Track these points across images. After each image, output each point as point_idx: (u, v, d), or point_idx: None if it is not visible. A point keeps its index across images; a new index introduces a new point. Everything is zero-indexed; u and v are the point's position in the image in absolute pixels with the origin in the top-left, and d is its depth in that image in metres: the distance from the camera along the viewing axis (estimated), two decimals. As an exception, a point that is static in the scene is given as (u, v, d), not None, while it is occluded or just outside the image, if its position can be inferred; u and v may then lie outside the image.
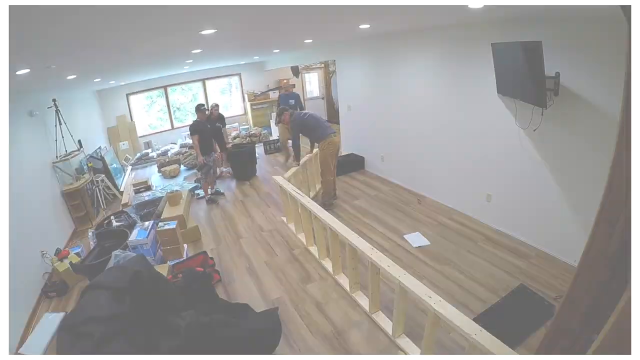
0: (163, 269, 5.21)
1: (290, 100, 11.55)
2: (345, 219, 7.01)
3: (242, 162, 10.07)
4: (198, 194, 9.16)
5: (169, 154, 12.76)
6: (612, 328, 1.75)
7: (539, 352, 2.63)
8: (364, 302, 4.55)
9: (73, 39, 3.03)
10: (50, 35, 2.67)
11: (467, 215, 6.66)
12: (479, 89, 5.78)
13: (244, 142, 12.48)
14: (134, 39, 3.71)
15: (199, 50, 6.20)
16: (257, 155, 10.83)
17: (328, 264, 5.40)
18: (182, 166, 11.83)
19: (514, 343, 3.82)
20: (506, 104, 5.37)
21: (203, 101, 14.90)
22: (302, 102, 12.17)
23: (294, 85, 15.55)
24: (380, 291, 4.39)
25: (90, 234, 6.69)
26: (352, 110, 9.93)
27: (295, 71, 15.89)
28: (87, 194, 8.18)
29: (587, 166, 4.48)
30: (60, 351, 2.96)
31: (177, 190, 7.54)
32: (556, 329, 2.36)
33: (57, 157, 7.71)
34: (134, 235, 5.67)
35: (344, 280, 5.00)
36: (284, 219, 7.07)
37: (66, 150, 8.12)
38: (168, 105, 14.58)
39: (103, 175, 9.22)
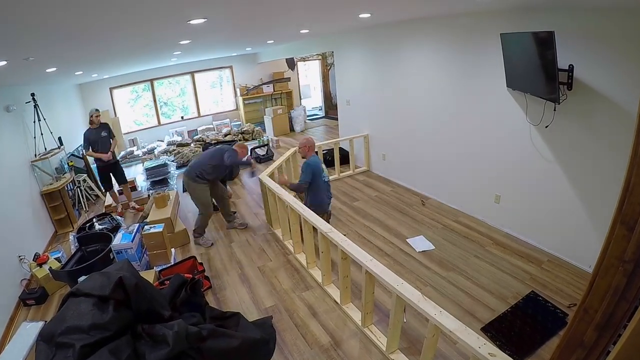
0: (149, 275, 5.20)
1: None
2: (344, 221, 7.02)
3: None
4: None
5: (156, 152, 12.75)
6: (630, 338, 1.75)
7: (551, 364, 2.63)
8: (356, 315, 4.55)
9: (52, 28, 3.03)
10: (27, 23, 2.66)
11: (474, 217, 6.67)
12: (487, 83, 5.77)
13: (226, 139, 12.54)
14: (117, 29, 3.70)
15: (187, 41, 6.18)
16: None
17: (317, 273, 5.39)
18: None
19: (524, 354, 3.82)
20: (516, 99, 5.37)
21: (192, 95, 14.97)
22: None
23: (289, 78, 15.58)
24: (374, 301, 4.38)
25: (71, 237, 6.66)
26: (352, 104, 9.93)
27: (291, 63, 15.89)
28: (68, 195, 8.12)
29: (602, 165, 4.48)
30: (38, 363, 2.95)
31: (164, 191, 7.52)
32: (570, 339, 2.35)
33: (35, 155, 7.66)
34: (118, 239, 5.65)
35: (334, 291, 5.01)
36: (270, 226, 7.06)
37: (45, 148, 8.06)
38: (154, 100, 14.57)
39: (85, 174, 9.21)
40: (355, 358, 4.02)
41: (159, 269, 5.64)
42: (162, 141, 13.82)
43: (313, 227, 4.96)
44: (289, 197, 5.66)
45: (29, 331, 4.81)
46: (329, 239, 4.50)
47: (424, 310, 3.15)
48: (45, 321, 5.00)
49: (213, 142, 11.91)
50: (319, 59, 16.90)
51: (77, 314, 3.12)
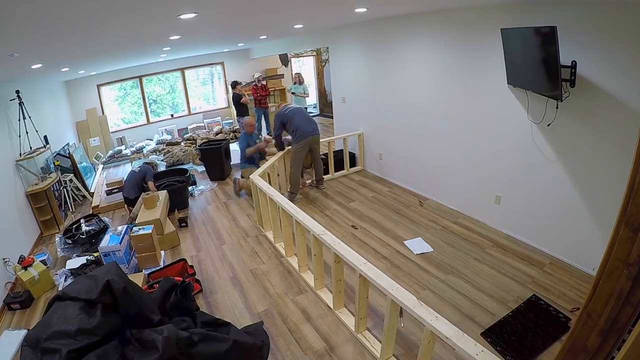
0: (138, 278, 5.19)
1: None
2: (339, 223, 7.01)
3: (217, 161, 10.01)
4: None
5: (145, 151, 12.73)
6: (635, 344, 1.75)
7: (553, 369, 2.63)
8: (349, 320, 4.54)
9: (37, 22, 3.01)
10: (11, 17, 2.64)
11: (474, 218, 6.67)
12: (487, 79, 5.78)
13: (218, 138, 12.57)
14: (103, 23, 3.68)
15: (177, 37, 6.16)
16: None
17: (309, 277, 5.37)
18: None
19: (525, 360, 3.83)
20: (517, 96, 5.37)
21: (182, 93, 15.00)
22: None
23: (283, 75, 15.56)
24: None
25: (57, 239, 6.64)
26: (347, 102, 9.91)
27: (284, 60, 15.87)
28: (54, 196, 8.09)
29: (607, 165, 4.49)
30: (23, 369, 2.93)
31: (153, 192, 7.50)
32: (572, 344, 2.36)
33: (20, 154, 7.62)
34: (105, 241, 5.64)
35: (327, 296, 4.99)
36: (261, 228, 7.04)
37: (31, 147, 8.03)
38: (143, 98, 14.51)
39: (72, 174, 9.16)
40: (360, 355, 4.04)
41: (148, 272, 5.62)
42: (152, 140, 13.79)
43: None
44: (281, 198, 5.66)
45: (11, 339, 4.78)
46: (322, 241, 4.50)
47: (419, 315, 3.14)
48: (28, 328, 4.98)
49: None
50: (313, 55, 16.90)
51: (64, 318, 3.10)
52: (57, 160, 8.76)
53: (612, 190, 4.36)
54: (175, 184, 8.67)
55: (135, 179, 8.21)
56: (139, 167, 8.58)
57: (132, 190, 8.05)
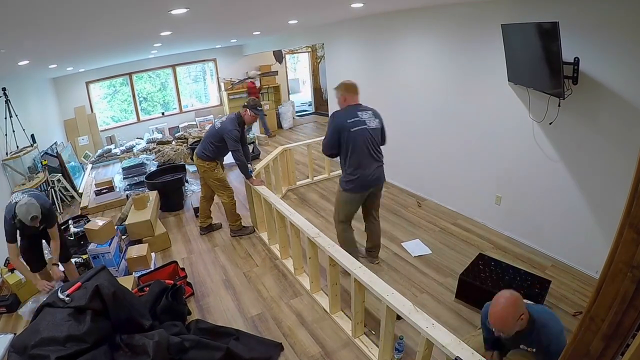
0: (128, 282, 5.17)
1: None
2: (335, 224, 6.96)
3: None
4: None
5: (135, 150, 12.68)
6: (639, 349, 1.74)
7: (555, 375, 2.62)
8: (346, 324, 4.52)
9: (23, 17, 3.00)
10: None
11: (473, 220, 6.67)
12: (487, 77, 5.77)
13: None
14: (91, 19, 3.67)
15: (168, 33, 6.15)
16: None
17: (305, 280, 5.36)
18: (150, 164, 11.64)
19: (526, 365, 3.82)
20: (518, 94, 5.37)
21: (174, 90, 15.06)
22: None
23: (277, 72, 15.53)
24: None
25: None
26: (344, 100, 9.85)
27: (279, 56, 15.86)
28: (41, 196, 8.06)
29: (610, 164, 4.48)
30: (9, 377, 2.92)
31: (144, 192, 7.48)
32: (575, 349, 2.35)
33: (7, 153, 7.62)
34: (94, 243, 5.62)
35: (323, 299, 4.98)
36: (255, 229, 7.03)
37: (17, 146, 8.02)
38: (133, 95, 14.48)
39: (60, 174, 9.12)
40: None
41: (138, 275, 5.60)
42: (142, 139, 13.75)
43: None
44: (275, 199, 5.65)
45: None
46: (317, 244, 4.49)
47: (414, 322, 3.12)
48: (15, 333, 4.96)
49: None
50: (308, 52, 16.88)
51: (52, 324, 3.10)
52: (45, 160, 8.73)
53: (616, 190, 4.37)
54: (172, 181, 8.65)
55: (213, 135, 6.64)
56: (221, 122, 6.48)
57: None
